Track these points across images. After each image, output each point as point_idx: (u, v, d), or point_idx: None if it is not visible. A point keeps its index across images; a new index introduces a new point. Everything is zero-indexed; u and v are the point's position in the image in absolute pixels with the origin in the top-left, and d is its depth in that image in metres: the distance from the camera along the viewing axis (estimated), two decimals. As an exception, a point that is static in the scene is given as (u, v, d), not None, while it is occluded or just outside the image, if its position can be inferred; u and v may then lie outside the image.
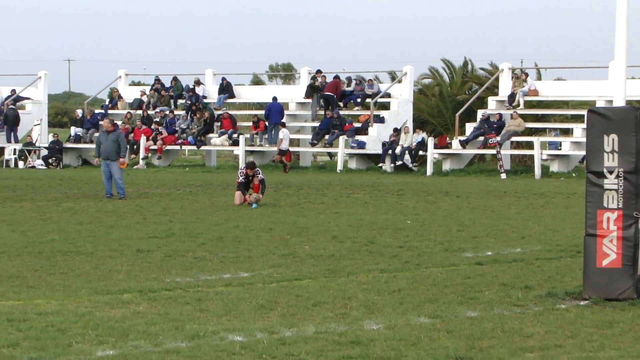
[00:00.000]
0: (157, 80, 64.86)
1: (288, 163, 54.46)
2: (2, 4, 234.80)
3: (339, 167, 53.99)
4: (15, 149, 60.03)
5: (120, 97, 65.16)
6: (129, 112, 62.29)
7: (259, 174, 32.73)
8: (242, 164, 32.77)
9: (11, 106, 63.30)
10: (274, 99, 58.67)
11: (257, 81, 74.08)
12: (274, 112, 57.35)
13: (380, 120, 56.26)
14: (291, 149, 58.13)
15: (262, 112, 58.08)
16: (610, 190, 15.83)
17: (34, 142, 61.49)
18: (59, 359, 11.69)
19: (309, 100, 59.12)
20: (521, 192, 38.96)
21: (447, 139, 55.21)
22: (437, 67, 68.50)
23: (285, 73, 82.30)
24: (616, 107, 16.30)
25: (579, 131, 49.75)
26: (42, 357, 11.77)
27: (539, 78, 62.44)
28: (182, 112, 61.03)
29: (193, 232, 25.02)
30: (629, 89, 17.63)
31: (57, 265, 19.39)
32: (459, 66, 68.22)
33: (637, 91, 49.69)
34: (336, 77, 59.08)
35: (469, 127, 54.18)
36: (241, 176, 32.73)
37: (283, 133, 55.13)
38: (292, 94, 61.36)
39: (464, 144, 53.32)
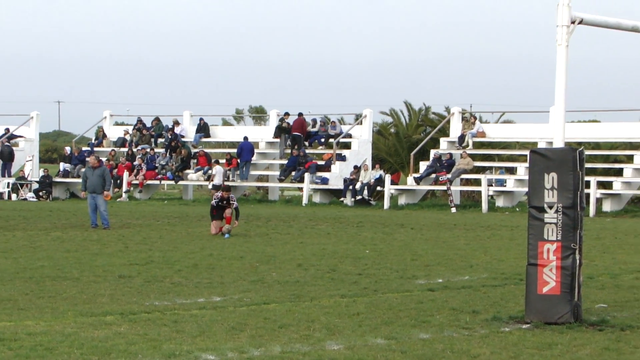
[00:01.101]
0: (139, 120, 64.87)
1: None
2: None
3: (304, 201, 53.97)
4: (8, 183, 59.86)
5: (105, 135, 65.13)
6: (113, 150, 62.29)
7: (233, 200, 32.74)
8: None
9: (6, 143, 63.21)
10: (245, 138, 58.77)
11: (225, 123, 74.03)
12: (246, 151, 57.49)
13: (342, 158, 56.34)
14: (260, 184, 58.27)
15: (235, 150, 58.07)
16: (550, 223, 15.89)
17: (26, 176, 61.32)
18: (46, 375, 11.64)
19: (277, 140, 59.21)
20: (469, 225, 39.04)
21: (401, 175, 55.45)
22: (401, 107, 68.89)
23: (256, 115, 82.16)
24: (556, 147, 16.38)
25: (522, 169, 49.92)
26: (30, 373, 11.72)
27: (485, 121, 62.61)
28: (162, 150, 61.05)
29: (170, 260, 24.97)
30: (567, 131, 17.69)
31: (45, 289, 19.33)
32: (418, 109, 68.52)
33: (575, 133, 49.99)
34: (300, 115, 59.08)
35: (423, 165, 54.27)
36: (215, 199, 32.76)
37: (216, 169, 55.75)
38: (262, 134, 61.40)
39: (417, 180, 53.45)
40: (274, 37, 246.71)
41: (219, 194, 33.17)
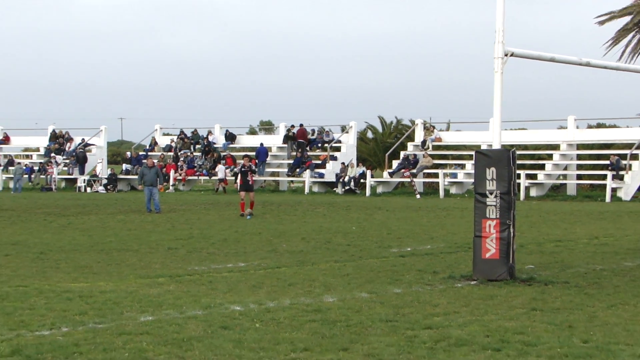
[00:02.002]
0: (182, 131, 64.85)
1: (225, 186, 55.62)
2: (75, 80, 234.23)
3: (306, 190, 53.96)
4: (84, 179, 59.88)
5: (156, 143, 65.08)
6: (162, 154, 62.22)
7: (253, 168, 33.75)
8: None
9: (81, 150, 63.30)
10: (261, 144, 58.92)
11: (252, 131, 74.05)
12: (262, 153, 57.53)
13: (334, 158, 56.34)
14: (273, 178, 58.29)
15: (254, 153, 58.12)
16: (491, 205, 15.91)
17: (97, 174, 61.28)
18: (114, 322, 11.66)
19: (285, 145, 59.27)
20: (430, 207, 39.07)
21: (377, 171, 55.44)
22: (376, 121, 69.32)
23: (266, 127, 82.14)
24: (494, 149, 16.39)
25: (469, 165, 49.95)
26: (103, 321, 11.74)
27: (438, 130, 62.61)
28: (199, 154, 61.06)
29: (206, 235, 24.98)
30: (503, 137, 17.69)
31: (113, 258, 19.35)
32: (390, 121, 68.64)
33: (508, 138, 50.06)
34: (301, 126, 59.22)
35: (395, 163, 54.27)
36: (239, 167, 33.33)
37: (219, 168, 56.34)
38: (274, 141, 61.39)
39: (391, 174, 53.45)
40: (281, 66, 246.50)
41: (242, 162, 33.75)
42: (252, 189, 33.19)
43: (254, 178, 33.73)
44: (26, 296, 13.80)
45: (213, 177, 58.59)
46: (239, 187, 33.74)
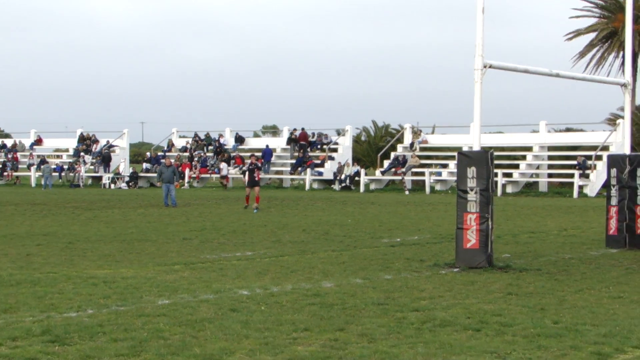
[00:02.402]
0: (196, 134, 64.82)
1: (227, 183, 55.96)
2: (101, 89, 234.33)
3: (307, 187, 53.89)
4: (109, 177, 59.83)
5: (173, 144, 64.94)
6: (178, 154, 62.13)
7: (259, 165, 34.43)
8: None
9: (106, 150, 63.26)
10: (267, 146, 58.85)
11: (256, 135, 74.00)
12: (267, 154, 57.50)
13: (332, 158, 56.24)
14: (277, 176, 58.18)
15: (260, 154, 58.10)
16: (472, 201, 15.88)
17: (120, 172, 61.26)
18: (134, 305, 11.61)
19: (289, 147, 59.21)
20: (418, 202, 39.04)
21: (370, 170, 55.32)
22: (369, 125, 69.24)
23: (271, 130, 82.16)
24: (475, 150, 16.35)
25: (452, 165, 49.90)
26: (124, 304, 11.70)
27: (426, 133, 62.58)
28: (211, 154, 60.98)
29: (217, 227, 24.95)
30: (482, 139, 17.65)
31: (133, 247, 19.32)
32: (382, 125, 68.55)
33: (487, 141, 50.05)
34: (303, 130, 59.22)
35: (386, 163, 54.21)
36: (247, 165, 33.49)
37: (222, 165, 56.43)
38: (279, 143, 61.33)
39: (382, 173, 53.39)
40: (284, 77, 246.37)
41: (250, 160, 33.79)
42: (258, 184, 33.29)
43: (260, 175, 33.81)
44: (55, 282, 13.76)
45: (214, 175, 58.50)
46: (246, 183, 33.81)
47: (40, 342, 9.34)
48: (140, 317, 10.75)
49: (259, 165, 34.14)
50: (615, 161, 19.78)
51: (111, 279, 14.00)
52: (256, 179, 33.17)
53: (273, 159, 58.22)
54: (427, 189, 49.37)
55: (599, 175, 46.09)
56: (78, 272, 14.97)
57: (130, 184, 58.56)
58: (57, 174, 61.51)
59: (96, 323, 10.32)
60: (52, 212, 31.41)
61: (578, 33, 62.06)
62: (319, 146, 58.42)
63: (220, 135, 62.96)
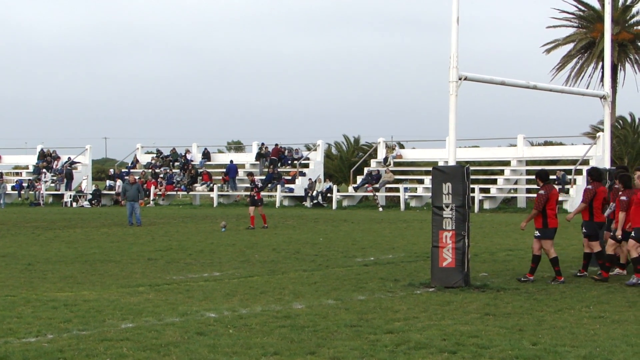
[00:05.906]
0: (159, 150, 64.74)
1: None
2: (61, 102, 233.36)
3: (277, 204, 53.84)
4: (70, 194, 59.45)
5: (137, 161, 64.76)
6: (143, 170, 61.90)
7: (257, 183, 35.05)
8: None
9: (68, 167, 62.87)
10: (231, 161, 58.80)
11: (220, 151, 73.98)
12: (232, 170, 57.47)
13: (303, 174, 56.29)
14: (246, 193, 57.99)
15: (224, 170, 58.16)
16: (447, 218, 15.94)
17: (82, 190, 60.86)
18: (97, 330, 11.55)
19: (258, 162, 59.21)
20: (392, 220, 39.10)
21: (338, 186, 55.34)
22: (341, 140, 69.43)
23: (238, 145, 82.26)
24: (450, 165, 16.43)
25: (427, 180, 50.02)
26: (86, 329, 11.63)
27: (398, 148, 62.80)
28: (177, 170, 60.84)
29: (184, 247, 24.85)
30: (458, 154, 17.77)
31: (96, 269, 19.21)
32: (354, 139, 68.74)
33: (463, 155, 50.27)
34: (276, 145, 59.30)
35: (359, 179, 54.30)
36: (251, 196, 34.02)
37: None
38: (247, 158, 61.33)
39: (355, 189, 53.44)
40: (258, 85, 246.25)
41: (250, 178, 35.01)
42: (257, 204, 33.43)
43: (260, 194, 33.90)
44: (14, 305, 13.65)
45: (192, 193, 58.37)
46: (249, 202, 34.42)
47: (-3, 369, 9.26)
48: (103, 341, 10.69)
49: (258, 184, 34.32)
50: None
51: (72, 302, 13.91)
52: (255, 198, 33.35)
53: (240, 175, 58.16)
54: (402, 206, 49.48)
55: (578, 190, 46.41)
56: (38, 295, 14.86)
57: (93, 202, 58.22)
58: (16, 192, 61.04)
59: (56, 348, 10.25)
60: (10, 232, 31.16)
61: (556, 44, 62.68)
62: (289, 162, 58.47)
63: (187, 151, 62.85)
